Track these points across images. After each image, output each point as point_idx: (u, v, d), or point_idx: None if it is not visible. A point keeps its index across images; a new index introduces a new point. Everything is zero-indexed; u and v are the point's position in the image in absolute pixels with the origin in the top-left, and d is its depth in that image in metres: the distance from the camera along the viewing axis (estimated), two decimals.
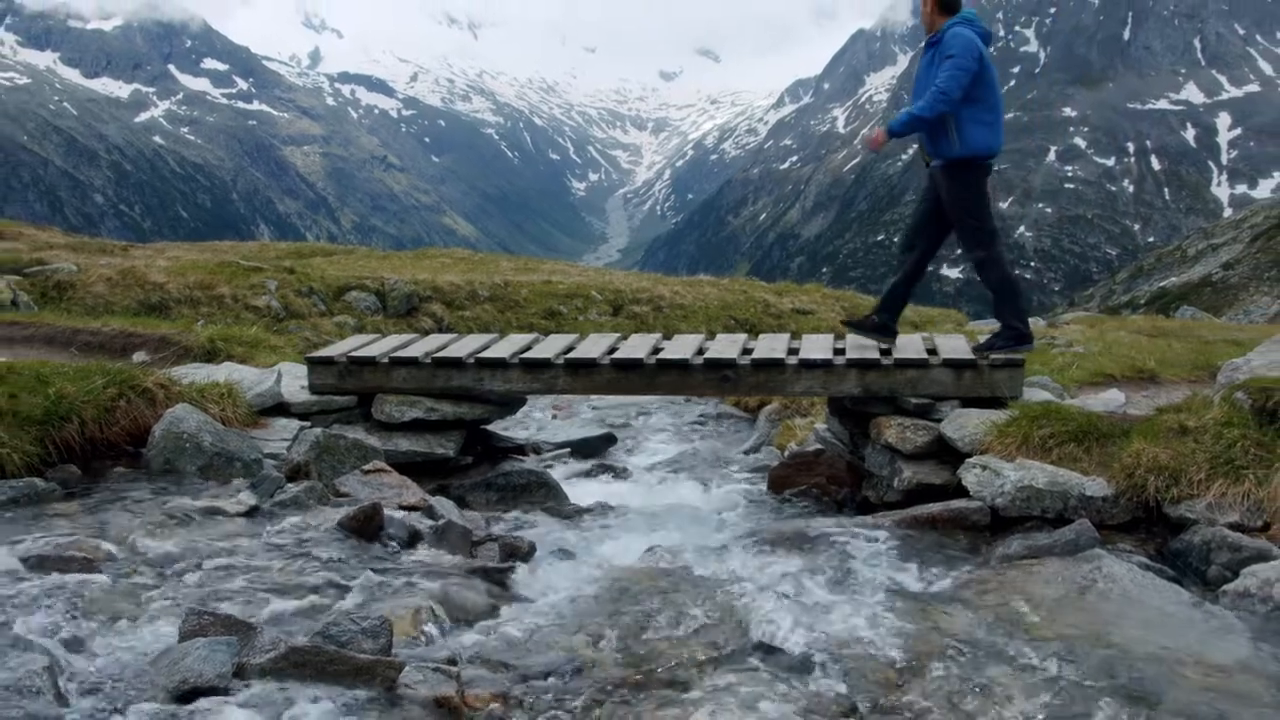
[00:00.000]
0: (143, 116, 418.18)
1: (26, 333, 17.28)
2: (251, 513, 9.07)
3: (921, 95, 12.15)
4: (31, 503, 9.25)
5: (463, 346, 12.62)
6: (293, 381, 12.76)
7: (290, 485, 9.90)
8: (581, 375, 12.13)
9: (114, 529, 8.56)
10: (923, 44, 12.71)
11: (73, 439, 10.35)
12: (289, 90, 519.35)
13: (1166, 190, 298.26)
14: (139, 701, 5.68)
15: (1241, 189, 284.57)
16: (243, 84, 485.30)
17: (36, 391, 10.46)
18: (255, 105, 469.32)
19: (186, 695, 5.66)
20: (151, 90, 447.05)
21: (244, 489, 9.67)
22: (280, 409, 12.29)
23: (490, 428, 13.18)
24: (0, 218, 41.90)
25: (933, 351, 11.77)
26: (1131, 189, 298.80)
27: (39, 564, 7.49)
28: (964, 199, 12.49)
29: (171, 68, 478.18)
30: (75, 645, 6.35)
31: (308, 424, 11.91)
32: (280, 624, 6.42)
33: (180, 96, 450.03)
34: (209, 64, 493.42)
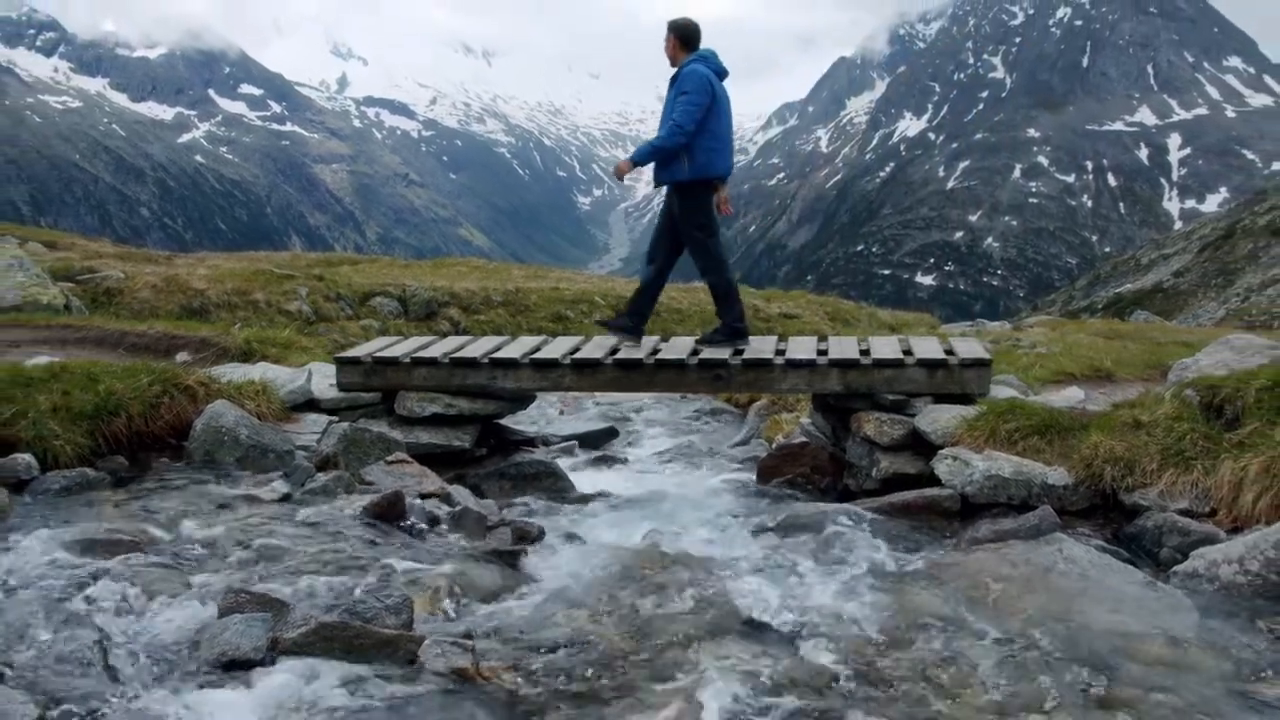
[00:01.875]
0: (185, 137, 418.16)
1: (79, 335, 17.26)
2: (284, 500, 9.09)
3: (664, 124, 12.56)
4: (83, 490, 9.27)
5: (478, 348, 12.64)
6: (322, 380, 12.77)
7: (320, 475, 9.91)
8: (586, 374, 12.19)
9: (159, 515, 8.57)
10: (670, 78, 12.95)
11: (121, 432, 10.38)
12: (319, 113, 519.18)
13: (1122, 205, 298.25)
14: (182, 672, 5.69)
15: (1190, 203, 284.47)
16: (276, 107, 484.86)
17: (88, 389, 10.47)
18: (288, 127, 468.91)
19: (225, 667, 5.68)
20: (193, 113, 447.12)
21: (277, 478, 9.69)
22: (311, 405, 12.31)
23: (503, 422, 13.17)
24: (54, 230, 41.83)
25: (908, 352, 11.75)
26: (1090, 203, 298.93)
27: (90, 547, 7.50)
28: (693, 216, 12.88)
29: (211, 92, 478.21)
30: (123, 621, 6.35)
31: (336, 419, 11.96)
32: (311, 601, 6.42)
33: (219, 119, 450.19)
34: (246, 89, 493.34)
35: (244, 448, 10.48)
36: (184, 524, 8.30)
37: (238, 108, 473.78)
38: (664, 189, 13.03)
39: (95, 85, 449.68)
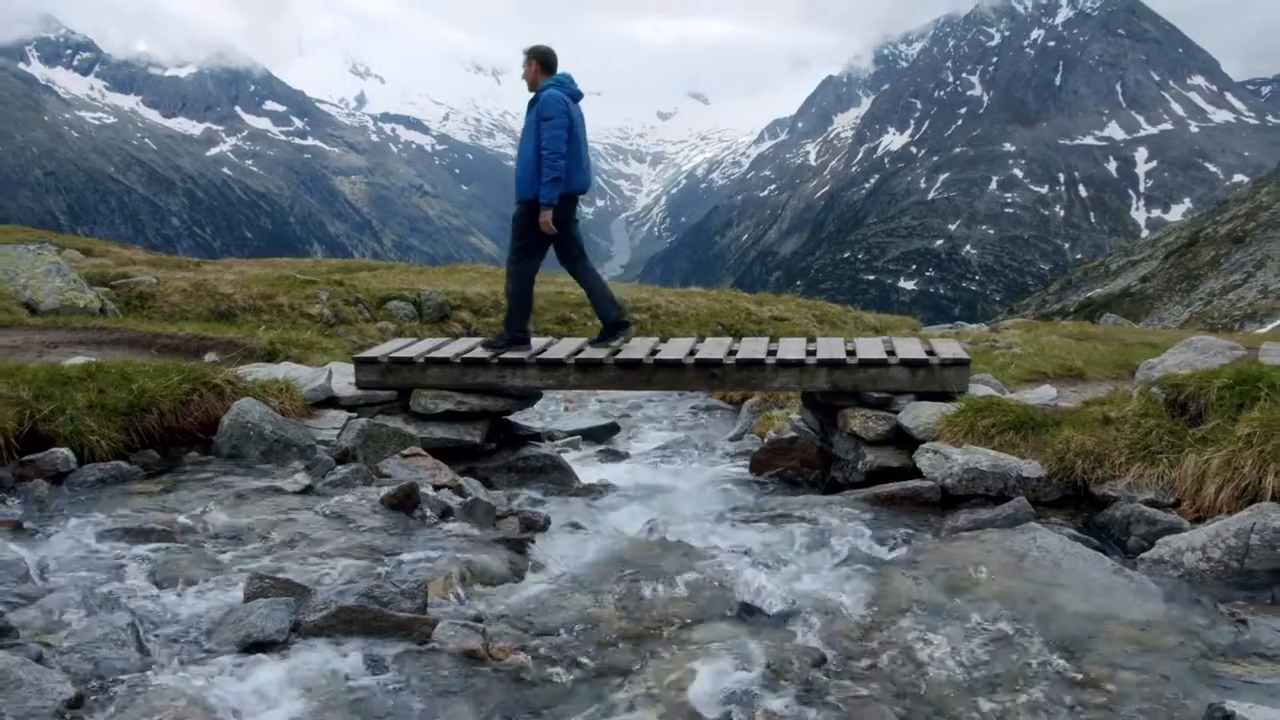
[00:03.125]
0: (213, 151, 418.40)
1: (113, 336, 17.24)
2: (306, 491, 9.08)
3: (526, 146, 12.78)
4: (117, 482, 9.29)
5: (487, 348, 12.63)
6: (342, 378, 12.77)
7: (340, 467, 9.91)
8: (589, 373, 12.19)
9: (188, 504, 8.58)
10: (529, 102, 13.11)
11: (153, 428, 10.40)
12: (338, 128, 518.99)
13: (1092, 214, 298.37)
14: (210, 653, 5.70)
15: (1157, 213, 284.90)
16: (299, 123, 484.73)
17: (122, 387, 10.49)
18: (309, 141, 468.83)
19: (251, 648, 5.68)
20: (220, 128, 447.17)
21: (300, 471, 9.69)
22: (331, 402, 12.29)
23: (511, 418, 13.15)
24: (90, 238, 41.83)
25: (891, 353, 11.76)
26: (1062, 213, 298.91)
27: (124, 535, 7.51)
28: (531, 228, 12.91)
29: (238, 109, 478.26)
30: (155, 604, 6.36)
31: (355, 415, 11.95)
32: (331, 586, 6.42)
33: (245, 134, 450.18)
34: (270, 106, 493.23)
35: (268, 442, 10.49)
36: (212, 514, 8.31)
37: (262, 123, 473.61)
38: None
39: (129, 102, 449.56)
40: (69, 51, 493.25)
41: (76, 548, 7.32)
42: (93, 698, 5.00)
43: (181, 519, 8.08)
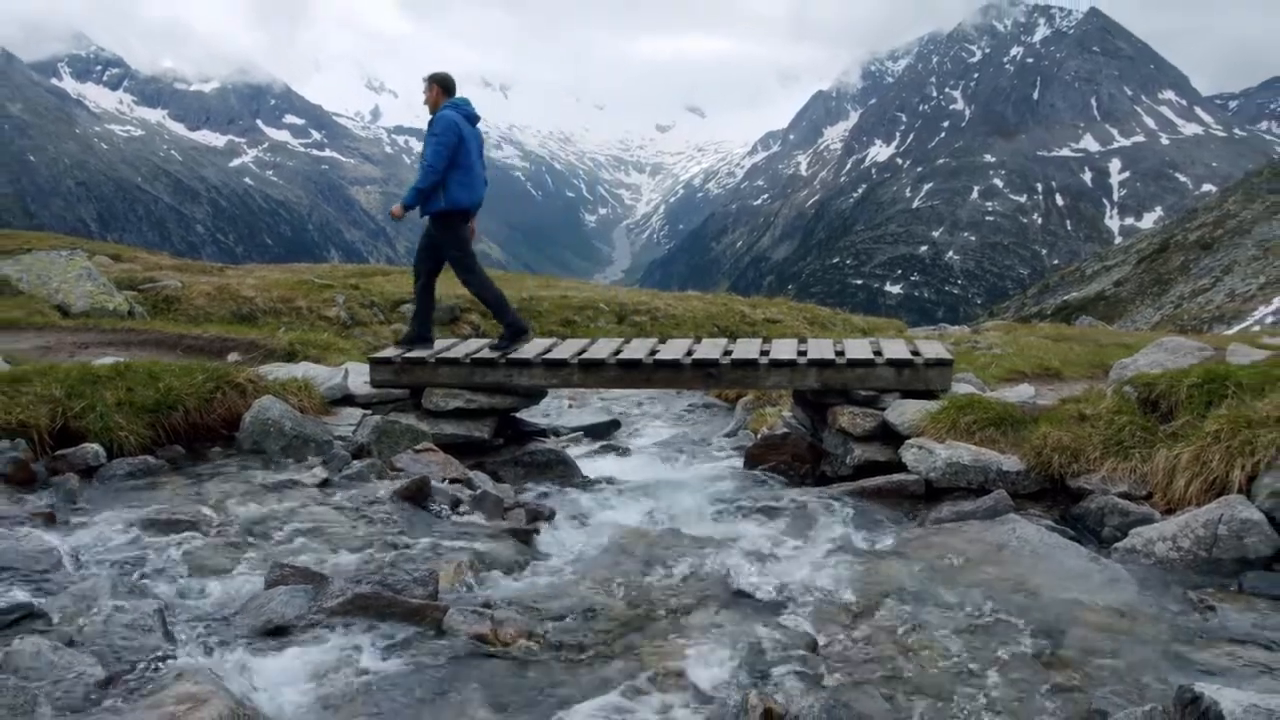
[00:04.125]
0: (235, 162, 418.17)
1: (141, 337, 17.26)
2: (324, 484, 9.08)
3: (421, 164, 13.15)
4: (145, 476, 9.30)
5: (495, 349, 12.64)
6: (357, 377, 12.77)
7: (355, 462, 9.93)
8: (592, 372, 12.19)
9: (212, 497, 8.58)
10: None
11: (179, 424, 10.40)
12: (354, 140, 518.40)
13: (1068, 222, 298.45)
14: (233, 638, 5.70)
15: (1129, 221, 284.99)
16: (317, 135, 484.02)
17: (149, 385, 10.50)
18: (327, 153, 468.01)
19: (271, 633, 5.69)
20: (243, 140, 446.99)
21: (318, 465, 9.70)
22: (347, 400, 12.30)
23: (518, 415, 13.14)
24: (119, 244, 41.81)
25: (878, 353, 11.77)
26: (1040, 221, 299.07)
27: (151, 525, 7.52)
28: (450, 242, 13.35)
29: (259, 122, 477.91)
30: (181, 592, 6.38)
31: (369, 412, 11.94)
32: (347, 574, 6.43)
33: (266, 145, 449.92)
34: (289, 119, 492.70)
35: (288, 438, 10.49)
36: (234, 505, 8.32)
37: (282, 136, 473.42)
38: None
39: (155, 116, 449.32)
40: (99, 68, 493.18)
41: (106, 538, 7.32)
42: (121, 680, 5.01)
43: (206, 510, 8.08)
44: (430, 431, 11.53)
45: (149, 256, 35.10)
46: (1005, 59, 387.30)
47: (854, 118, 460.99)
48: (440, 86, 13.55)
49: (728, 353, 12.23)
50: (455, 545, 7.50)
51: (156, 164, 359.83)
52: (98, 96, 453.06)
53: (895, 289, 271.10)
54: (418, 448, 10.66)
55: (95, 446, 9.56)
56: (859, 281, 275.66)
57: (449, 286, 32.87)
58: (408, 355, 12.35)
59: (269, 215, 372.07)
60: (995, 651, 5.83)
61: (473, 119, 13.45)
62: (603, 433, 15.94)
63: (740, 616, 6.34)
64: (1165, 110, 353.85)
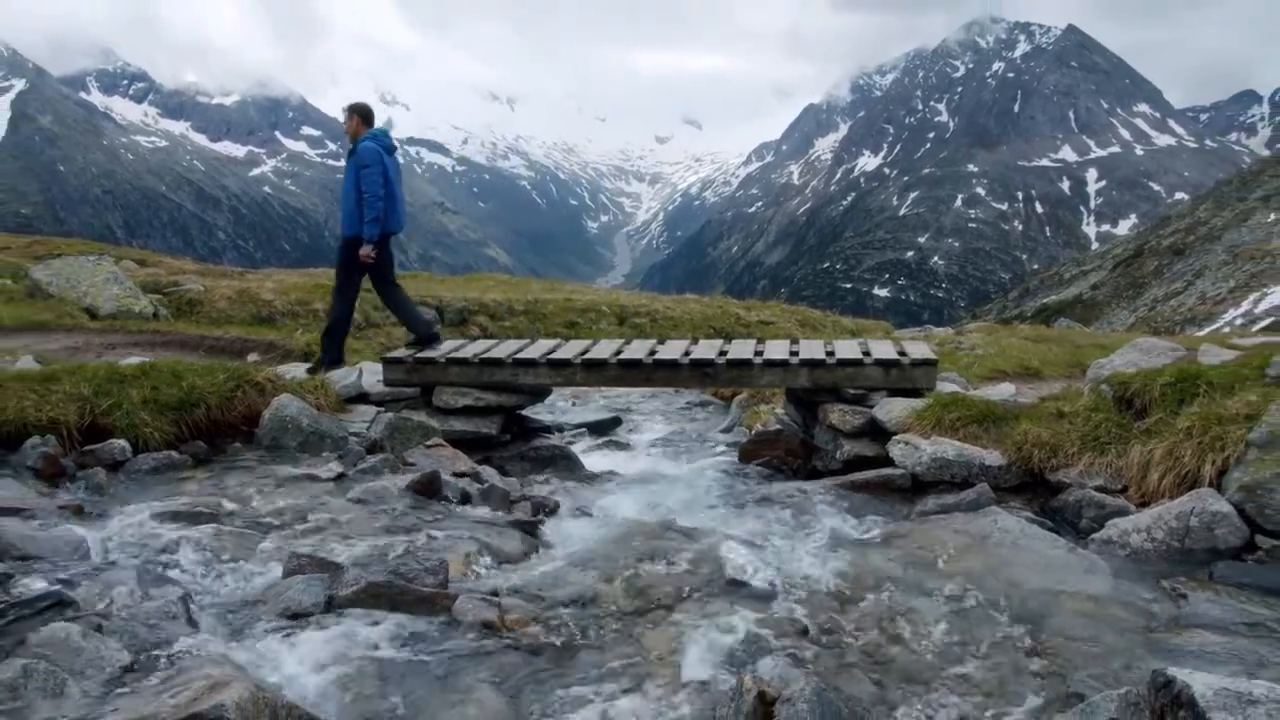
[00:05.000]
0: (255, 171, 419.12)
1: (165, 338, 17.28)
2: (339, 478, 9.09)
3: (348, 193, 13.31)
4: (168, 470, 9.32)
5: (503, 350, 12.65)
6: (371, 376, 12.77)
7: (369, 457, 9.94)
8: (594, 371, 12.15)
9: (233, 490, 8.59)
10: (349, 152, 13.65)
11: (201, 421, 10.42)
12: None
13: (1047, 228, 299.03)
14: (253, 624, 5.71)
15: (1106, 228, 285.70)
16: (333, 146, 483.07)
17: (173, 384, 10.52)
18: (342, 163, 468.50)
19: (290, 619, 5.70)
20: (262, 151, 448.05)
21: (333, 460, 9.72)
22: (361, 398, 12.30)
23: (524, 412, 13.13)
24: (144, 250, 41.85)
25: (866, 354, 11.76)
26: (1020, 227, 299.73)
27: (175, 517, 7.53)
28: (354, 260, 13.44)
29: (277, 134, 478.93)
30: (203, 580, 6.39)
31: (383, 409, 11.93)
32: (361, 564, 6.43)
33: (284, 156, 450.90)
34: (306, 130, 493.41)
35: (305, 434, 10.52)
36: (254, 498, 8.34)
37: (300, 146, 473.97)
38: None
39: (179, 127, 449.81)
40: (125, 82, 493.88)
41: (132, 529, 7.33)
42: (146, 664, 5.01)
43: (227, 503, 8.10)
44: (440, 428, 11.53)
45: (173, 261, 35.05)
46: (987, 74, 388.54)
47: (844, 129, 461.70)
48: (360, 117, 13.76)
49: (723, 353, 12.21)
50: (464, 536, 7.49)
51: (180, 173, 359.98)
52: (124, 109, 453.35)
53: (883, 292, 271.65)
54: (429, 443, 10.67)
55: (122, 442, 9.58)
56: (848, 285, 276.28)
57: (457, 290, 32.88)
58: (419, 355, 12.38)
59: (287, 222, 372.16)
60: (978, 637, 5.83)
61: (390, 149, 13.62)
62: (604, 429, 15.93)
63: (735, 604, 6.33)
64: (1140, 122, 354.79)
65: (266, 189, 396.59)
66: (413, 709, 4.94)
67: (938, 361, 11.87)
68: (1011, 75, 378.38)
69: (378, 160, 13.14)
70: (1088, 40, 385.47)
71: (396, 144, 13.82)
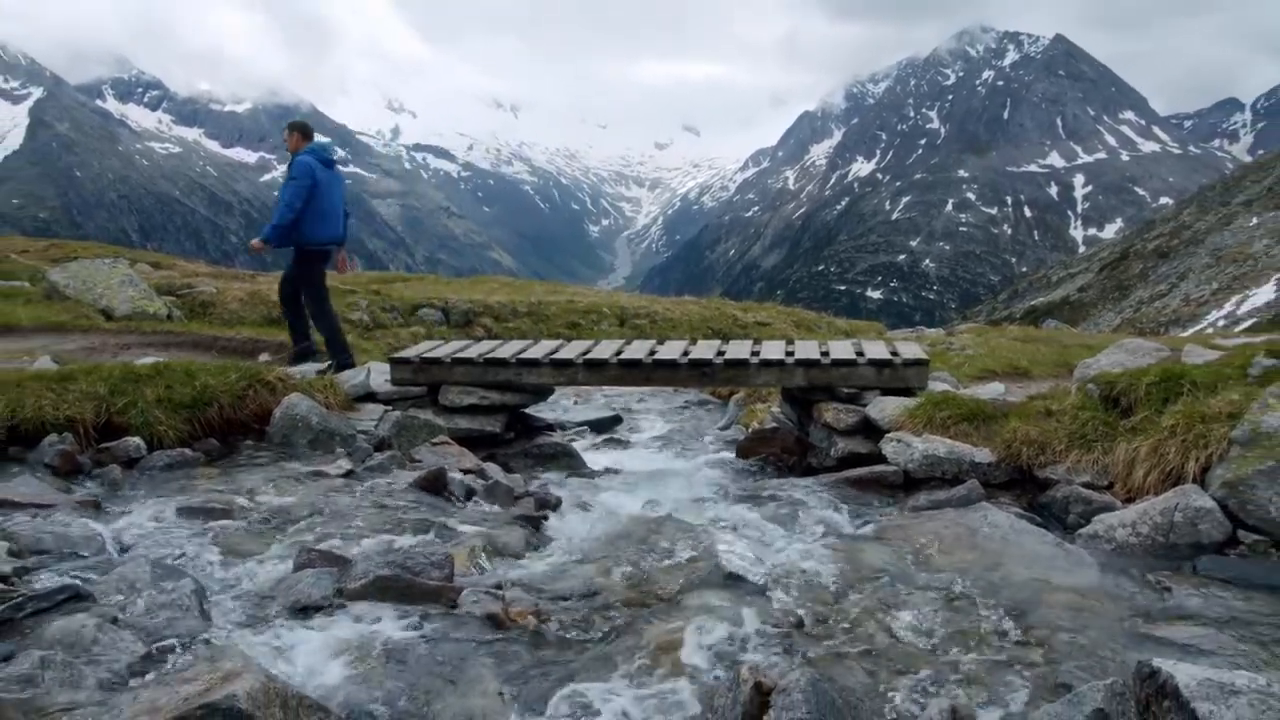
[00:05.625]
0: (266, 177, 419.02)
1: (179, 339, 17.27)
2: (348, 475, 9.12)
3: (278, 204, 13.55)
4: (182, 467, 9.36)
5: (507, 350, 12.66)
6: (379, 376, 12.77)
7: (377, 454, 10.01)
8: (596, 371, 12.17)
9: (244, 487, 8.61)
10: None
11: (213, 419, 10.46)
12: (376, 157, 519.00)
13: (1036, 232, 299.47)
14: (264, 616, 5.71)
15: (1092, 231, 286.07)
16: (341, 152, 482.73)
17: (186, 383, 10.55)
18: (350, 168, 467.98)
19: (299, 612, 5.70)
20: (273, 157, 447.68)
21: (342, 457, 9.74)
22: (369, 397, 12.33)
23: (527, 410, 13.14)
24: (158, 253, 41.88)
25: (860, 354, 11.78)
26: (1010, 231, 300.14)
27: (188, 513, 7.55)
28: (305, 275, 13.97)
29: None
30: (216, 574, 6.40)
31: (390, 408, 12.00)
32: (369, 558, 6.42)
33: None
34: (316, 138, 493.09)
35: (315, 432, 10.56)
36: (265, 495, 8.35)
37: None
38: None
39: (192, 134, 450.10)
40: (140, 90, 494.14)
41: (147, 524, 7.34)
42: (161, 656, 5.02)
43: (239, 499, 8.11)
44: (446, 426, 11.57)
45: (186, 264, 34.97)
46: (977, 82, 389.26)
47: (838, 136, 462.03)
48: (300, 133, 14.08)
49: (721, 353, 12.23)
50: (469, 531, 7.52)
51: (193, 179, 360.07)
52: (139, 117, 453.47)
53: (876, 294, 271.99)
54: (435, 441, 10.71)
55: (136, 440, 9.61)
56: (842, 287, 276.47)
57: (462, 291, 32.88)
58: (425, 355, 12.36)
59: None
60: (968, 629, 5.83)
61: (329, 163, 13.87)
62: (605, 427, 15.93)
63: (732, 597, 6.32)
64: (1125, 129, 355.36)
65: (277, 194, 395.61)
66: (419, 699, 4.94)
67: (929, 361, 11.89)
68: (1001, 83, 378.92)
69: (307, 174, 13.38)
70: (1075, 49, 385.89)
71: (335, 159, 14.16)
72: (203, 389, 10.54)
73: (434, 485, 8.67)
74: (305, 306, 14.19)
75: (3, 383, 10.05)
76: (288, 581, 6.08)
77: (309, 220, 13.57)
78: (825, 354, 11.87)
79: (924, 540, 7.46)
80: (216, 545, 6.87)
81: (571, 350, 12.71)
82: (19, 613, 5.33)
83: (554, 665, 5.39)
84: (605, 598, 6.33)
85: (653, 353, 12.41)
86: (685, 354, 12.28)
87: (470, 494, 8.82)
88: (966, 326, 34.20)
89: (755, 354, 12.15)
